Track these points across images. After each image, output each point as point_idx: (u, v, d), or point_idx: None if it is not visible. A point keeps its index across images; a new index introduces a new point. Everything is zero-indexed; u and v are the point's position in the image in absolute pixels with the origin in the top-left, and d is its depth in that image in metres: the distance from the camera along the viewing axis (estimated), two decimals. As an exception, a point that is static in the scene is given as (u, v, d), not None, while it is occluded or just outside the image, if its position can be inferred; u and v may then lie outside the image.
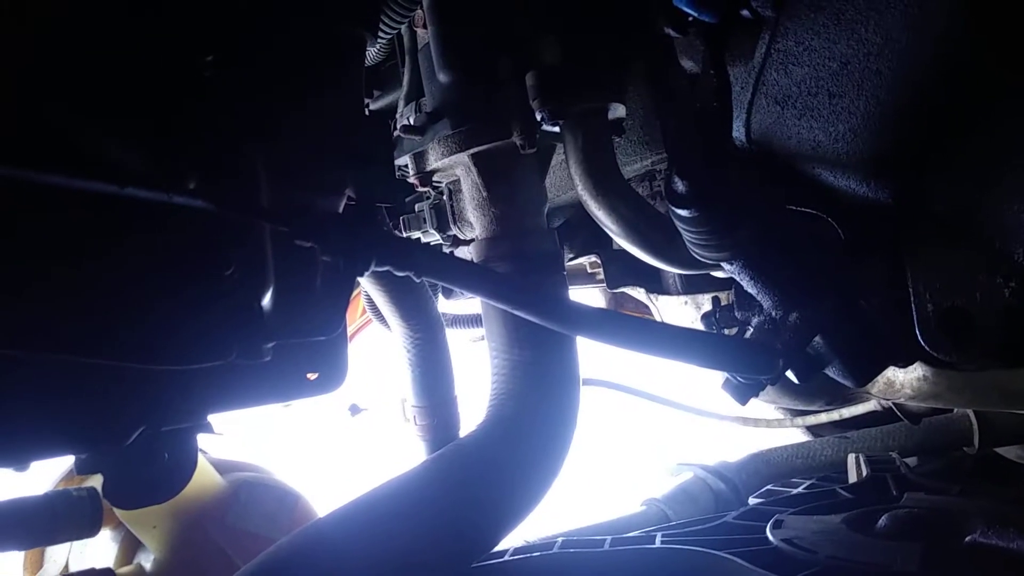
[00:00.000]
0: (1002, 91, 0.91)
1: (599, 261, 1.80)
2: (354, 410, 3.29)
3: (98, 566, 1.44)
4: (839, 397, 1.79)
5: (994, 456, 2.15)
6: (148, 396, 0.91)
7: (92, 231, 0.80)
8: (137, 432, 0.93)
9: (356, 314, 3.67)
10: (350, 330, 3.71)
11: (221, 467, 1.82)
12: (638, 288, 1.79)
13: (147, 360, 0.80)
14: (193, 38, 0.91)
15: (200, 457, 1.14)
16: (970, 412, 1.99)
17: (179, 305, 0.82)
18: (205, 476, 1.76)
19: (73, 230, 0.79)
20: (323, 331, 0.94)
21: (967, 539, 1.00)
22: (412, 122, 1.39)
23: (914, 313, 1.03)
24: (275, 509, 1.78)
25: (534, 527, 1.49)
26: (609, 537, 1.26)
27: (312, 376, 1.11)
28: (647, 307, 1.87)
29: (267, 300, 0.92)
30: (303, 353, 1.09)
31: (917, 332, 1.02)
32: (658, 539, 1.22)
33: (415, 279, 0.92)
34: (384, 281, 1.45)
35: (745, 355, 0.99)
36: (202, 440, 1.08)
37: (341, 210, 1.05)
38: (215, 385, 0.97)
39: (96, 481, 1.09)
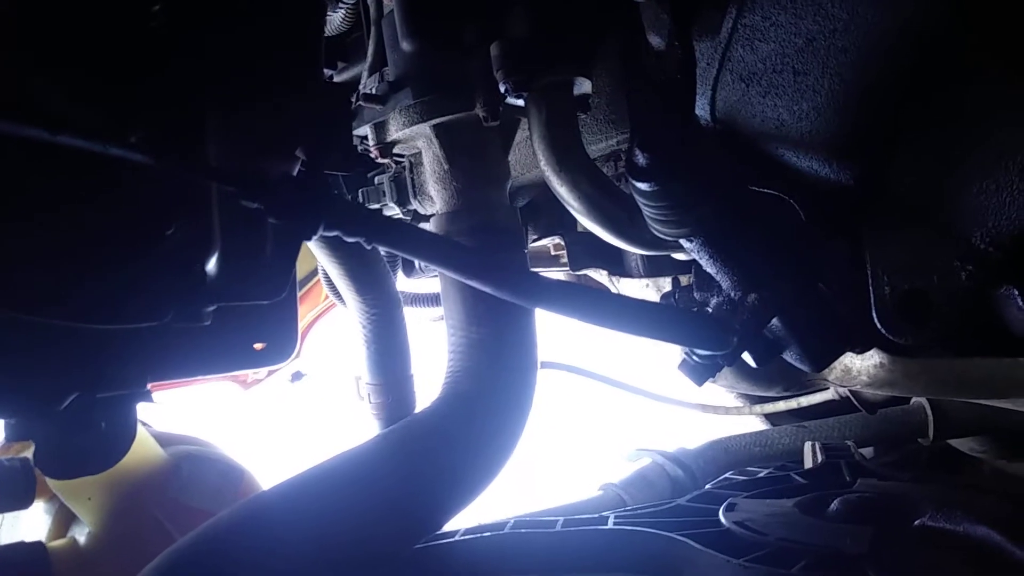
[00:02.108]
0: (967, 72, 0.90)
1: (562, 243, 1.78)
2: (296, 376, 3.25)
3: (29, 539, 1.40)
4: (797, 383, 1.79)
5: (948, 448, 2.18)
6: (82, 359, 0.87)
7: (21, 180, 0.76)
8: (70, 398, 0.89)
9: (319, 299, 3.63)
10: (313, 313, 3.66)
11: (163, 439, 1.76)
12: (600, 270, 1.77)
13: (75, 317, 0.76)
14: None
15: (140, 428, 1.10)
16: (926, 404, 2.01)
17: (113, 262, 0.78)
18: (145, 447, 1.69)
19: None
20: (267, 295, 0.91)
21: (916, 523, 1.00)
22: (373, 91, 1.35)
23: (871, 295, 1.02)
24: (219, 484, 1.72)
25: (488, 511, 1.47)
26: (561, 518, 1.24)
27: (259, 346, 1.07)
28: (609, 290, 1.85)
29: (212, 262, 0.89)
30: (251, 322, 1.06)
31: (874, 314, 1.02)
32: (610, 520, 1.20)
33: (366, 246, 0.89)
34: (340, 254, 1.42)
35: (698, 329, 0.98)
36: (145, 412, 1.05)
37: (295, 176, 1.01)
38: (154, 351, 0.94)
39: (29, 451, 1.04)
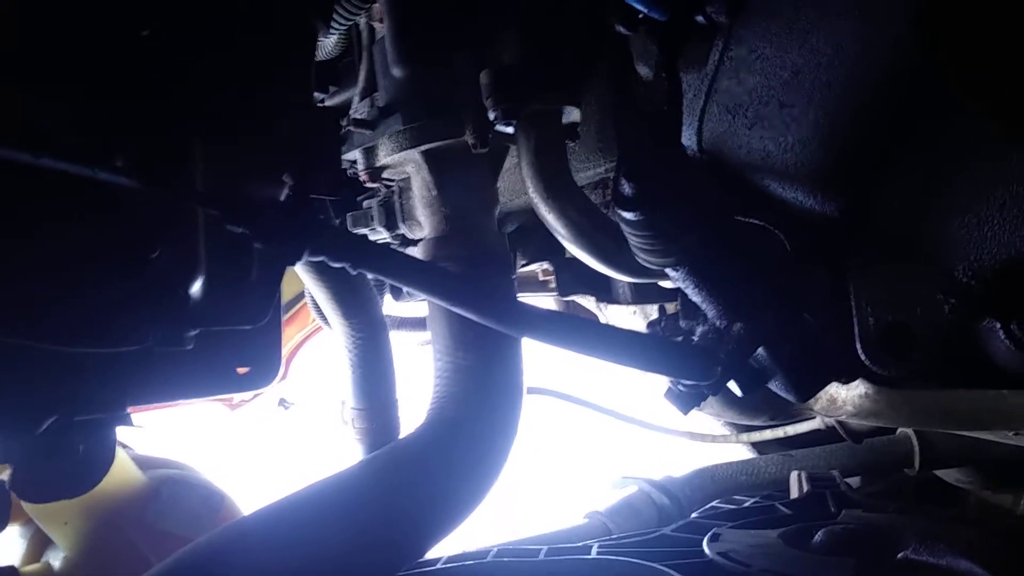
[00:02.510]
0: (948, 107, 0.91)
1: (551, 268, 1.78)
2: (283, 404, 3.22)
3: (2, 563, 1.37)
4: (783, 413, 1.79)
5: (934, 479, 2.18)
6: (61, 382, 0.86)
7: (5, 203, 0.75)
8: (48, 421, 0.88)
9: (307, 321, 3.61)
10: (299, 336, 3.64)
11: (143, 463, 1.73)
12: (588, 296, 1.77)
13: (56, 340, 0.76)
14: (133, 9, 0.88)
15: (119, 451, 1.09)
16: (912, 434, 2.01)
17: (95, 285, 0.77)
18: (124, 471, 1.66)
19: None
20: (251, 320, 0.90)
21: (900, 555, 1.00)
22: (363, 116, 1.36)
23: (855, 327, 1.03)
24: (199, 509, 1.70)
25: (471, 539, 1.46)
26: (545, 547, 1.23)
27: (243, 370, 1.07)
28: (596, 316, 1.85)
29: (197, 286, 0.88)
30: (234, 346, 1.05)
31: (858, 345, 1.02)
32: (594, 550, 1.20)
33: (351, 271, 0.89)
34: (326, 277, 1.41)
35: (683, 359, 0.98)
36: (125, 435, 1.03)
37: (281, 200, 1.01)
38: (136, 374, 0.93)
39: (5, 474, 1.03)
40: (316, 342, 3.63)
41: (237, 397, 3.71)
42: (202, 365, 0.99)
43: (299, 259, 0.84)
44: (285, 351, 3.61)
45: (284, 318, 3.40)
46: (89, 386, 0.89)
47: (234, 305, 0.89)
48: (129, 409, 0.99)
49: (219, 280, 0.87)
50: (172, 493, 1.70)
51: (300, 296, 3.17)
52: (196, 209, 0.87)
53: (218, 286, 0.86)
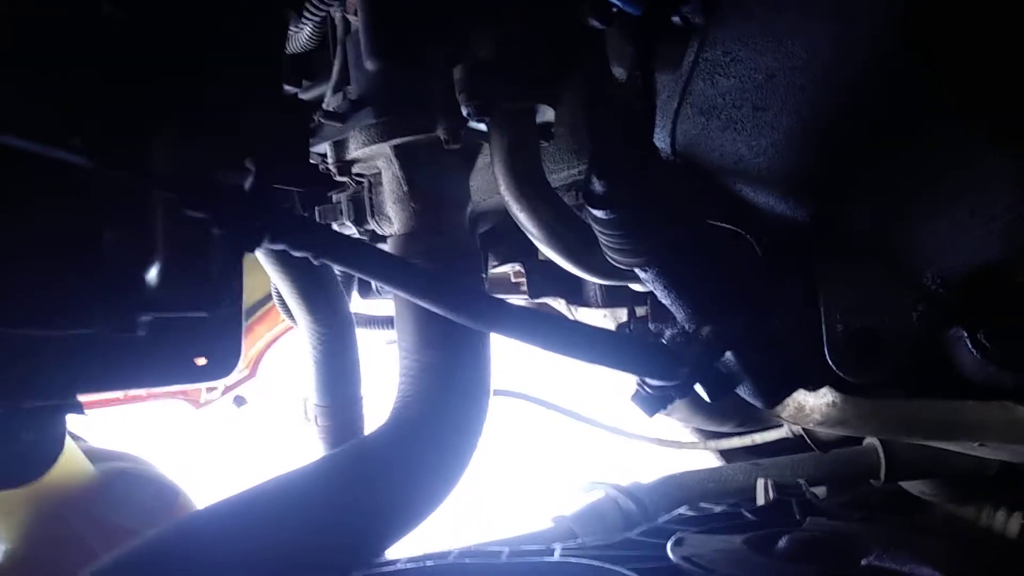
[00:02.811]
0: (920, 114, 0.91)
1: (522, 270, 1.77)
2: (239, 401, 3.17)
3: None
4: (751, 419, 1.79)
5: (899, 491, 2.19)
6: (5, 367, 0.83)
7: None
8: (-7, 407, 0.85)
9: (276, 321, 3.56)
10: (268, 337, 3.60)
11: (95, 455, 1.67)
12: (559, 299, 1.76)
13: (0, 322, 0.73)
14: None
15: (69, 441, 1.06)
16: (878, 445, 2.02)
17: (44, 267, 0.74)
18: (73, 462, 1.60)
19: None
20: (207, 307, 0.87)
21: (863, 562, 1.00)
22: (334, 108, 1.33)
23: (824, 332, 1.02)
24: (152, 504, 1.64)
25: (433, 541, 1.44)
26: (507, 549, 1.21)
27: (201, 361, 1.04)
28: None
29: (153, 271, 0.86)
30: (192, 336, 1.03)
31: (826, 351, 1.02)
32: (557, 552, 1.18)
33: (314, 261, 0.87)
34: (291, 271, 1.38)
35: (651, 359, 0.97)
36: (78, 427, 1.00)
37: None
38: (87, 361, 0.90)
39: (-51, 461, 0.99)
40: (285, 342, 3.59)
41: (203, 395, 3.65)
42: (158, 354, 0.96)
43: (258, 246, 0.82)
44: (253, 351, 3.56)
45: (253, 318, 3.35)
46: (37, 372, 0.86)
47: (190, 292, 0.86)
48: (81, 398, 0.96)
49: (175, 266, 0.84)
50: (124, 486, 1.64)
51: (269, 296, 3.13)
52: (154, 193, 0.85)
53: (174, 272, 0.84)
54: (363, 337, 1.68)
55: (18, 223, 0.75)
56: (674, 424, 2.25)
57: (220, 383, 3.64)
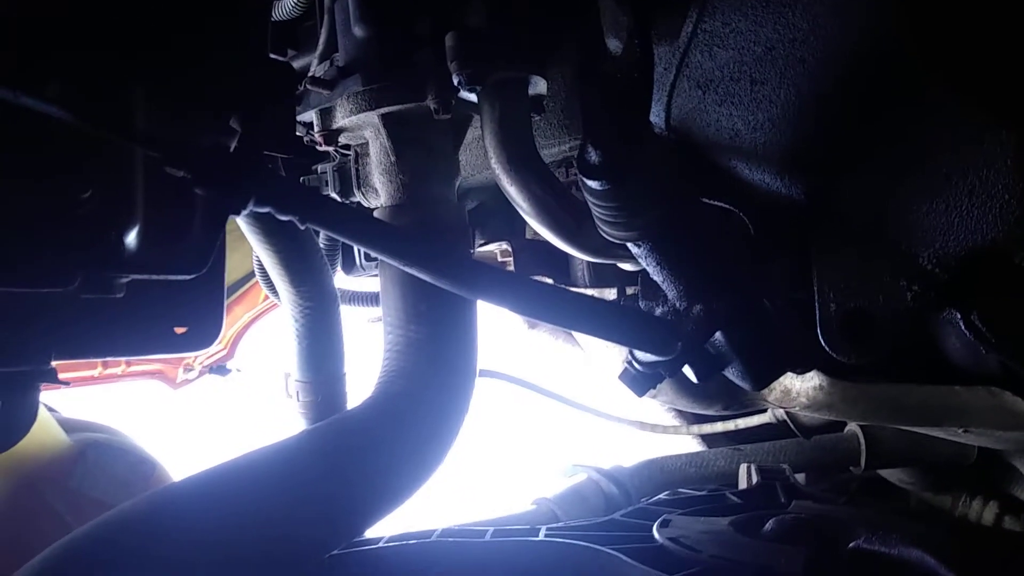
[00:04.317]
0: (918, 91, 0.90)
1: (509, 249, 1.75)
2: (221, 371, 3.13)
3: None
4: (737, 402, 1.78)
5: (878, 479, 2.20)
6: (-24, 328, 0.79)
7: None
8: (-38, 371, 0.81)
9: (257, 300, 3.52)
10: (249, 316, 3.55)
11: (69, 425, 1.62)
12: (546, 278, 1.74)
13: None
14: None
15: (43, 410, 1.02)
16: (859, 432, 2.03)
17: (16, 218, 0.71)
18: (46, 432, 1.56)
19: None
20: (187, 269, 0.84)
21: (851, 545, 0.99)
22: (322, 75, 1.30)
23: (817, 312, 1.01)
24: (127, 476, 1.60)
25: (414, 522, 1.42)
26: (491, 528, 1.20)
27: (180, 330, 1.01)
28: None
29: (133, 231, 0.82)
30: (172, 305, 1.00)
31: (818, 331, 1.00)
32: (542, 532, 1.16)
33: (299, 225, 0.84)
34: (275, 240, 1.35)
35: (643, 329, 0.95)
36: (51, 399, 0.97)
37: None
38: (62, 325, 0.86)
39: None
40: (264, 324, 3.55)
41: (180, 376, 3.60)
42: (136, 320, 0.93)
43: (244, 208, 0.79)
44: (231, 331, 3.52)
45: (232, 298, 3.31)
46: (10, 335, 0.83)
47: (171, 253, 0.83)
48: (55, 365, 0.93)
49: (156, 226, 0.81)
50: (99, 458, 1.59)
51: (249, 276, 3.09)
52: (134, 150, 0.81)
53: (154, 232, 0.81)
54: (347, 315, 1.65)
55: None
56: (657, 408, 2.24)
57: (197, 364, 3.59)
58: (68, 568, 0.79)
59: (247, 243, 1.51)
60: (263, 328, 3.56)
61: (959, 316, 0.94)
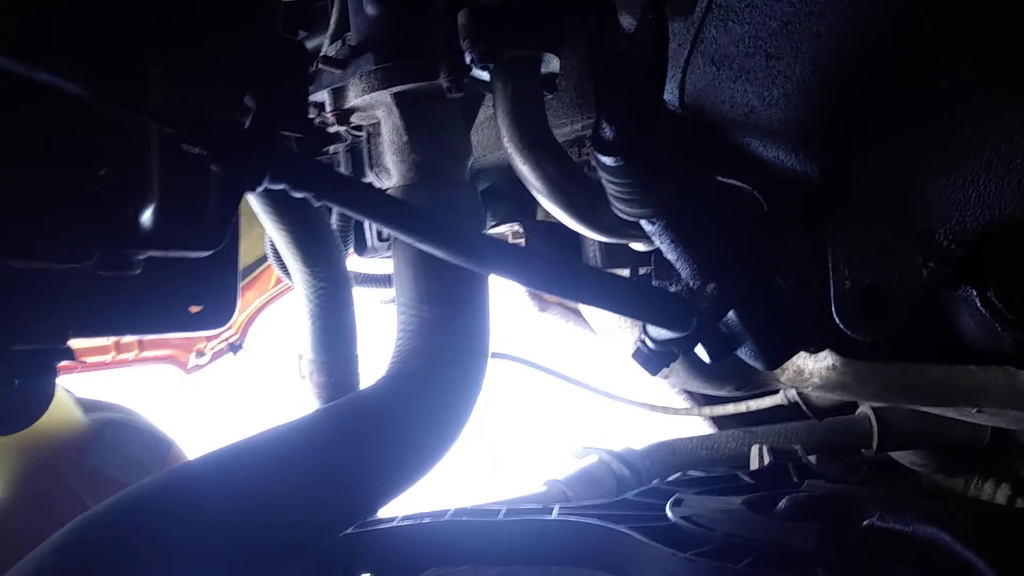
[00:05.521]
0: (936, 66, 0.89)
1: (521, 230, 1.74)
2: (235, 349, 3.14)
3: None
4: (749, 383, 1.78)
5: (889, 460, 2.20)
6: (-3, 305, 0.80)
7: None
8: (-19, 348, 0.82)
9: (268, 285, 3.53)
10: (261, 300, 3.56)
11: (86, 405, 1.63)
12: (558, 260, 1.74)
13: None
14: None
15: (60, 390, 1.03)
16: (871, 414, 2.02)
17: (34, 195, 0.71)
18: (64, 410, 1.56)
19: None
20: (203, 246, 0.84)
21: (864, 522, 0.99)
22: (334, 55, 1.30)
23: (832, 288, 1.01)
24: (143, 455, 1.61)
25: (427, 502, 1.43)
26: (504, 507, 1.20)
27: (195, 309, 1.01)
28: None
29: (149, 208, 0.83)
30: (187, 283, 1.00)
31: (833, 308, 1.00)
32: (555, 511, 1.17)
33: (314, 202, 0.84)
34: (288, 220, 1.35)
35: (661, 305, 0.95)
36: (65, 382, 0.98)
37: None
38: (79, 303, 0.87)
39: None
40: (275, 308, 3.56)
41: (192, 361, 3.62)
42: (152, 299, 0.93)
43: (259, 184, 0.79)
44: (244, 315, 3.53)
45: (244, 282, 3.31)
46: (28, 313, 0.83)
47: (187, 230, 0.83)
48: (71, 344, 0.93)
49: (172, 203, 0.81)
50: (115, 437, 1.61)
51: (260, 261, 3.10)
52: (150, 126, 0.81)
53: (171, 209, 0.81)
54: (359, 297, 1.65)
55: (10, 150, 0.72)
56: (668, 390, 2.24)
57: (209, 349, 3.61)
58: (86, 546, 0.80)
59: (257, 229, 1.52)
60: (274, 314, 3.57)
61: (975, 293, 0.93)
